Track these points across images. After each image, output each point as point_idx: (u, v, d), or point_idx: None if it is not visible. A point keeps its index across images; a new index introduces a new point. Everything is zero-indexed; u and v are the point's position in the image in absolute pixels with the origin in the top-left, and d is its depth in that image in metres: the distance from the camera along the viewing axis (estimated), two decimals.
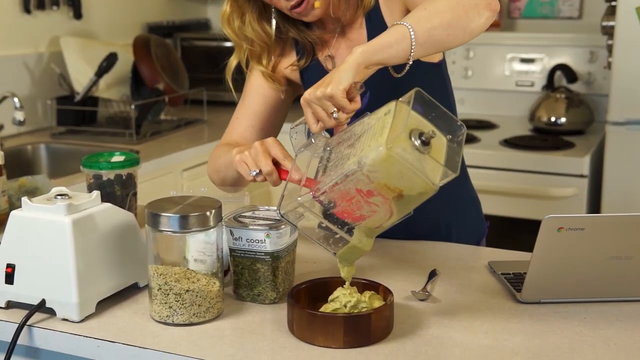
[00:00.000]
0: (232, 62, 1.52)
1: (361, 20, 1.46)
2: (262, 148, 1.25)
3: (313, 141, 1.20)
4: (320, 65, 1.50)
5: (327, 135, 1.21)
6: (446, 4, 1.23)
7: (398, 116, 1.05)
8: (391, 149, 1.00)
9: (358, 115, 1.18)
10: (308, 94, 1.18)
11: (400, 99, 1.09)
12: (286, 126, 1.59)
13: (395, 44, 1.18)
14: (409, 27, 1.18)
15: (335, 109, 1.16)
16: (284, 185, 1.15)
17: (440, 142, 1.07)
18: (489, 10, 1.25)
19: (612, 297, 1.21)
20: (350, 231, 1.11)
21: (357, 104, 1.18)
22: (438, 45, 1.23)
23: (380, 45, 1.18)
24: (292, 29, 1.49)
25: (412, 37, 1.18)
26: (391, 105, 1.09)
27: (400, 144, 1.02)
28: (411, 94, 1.09)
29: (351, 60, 1.17)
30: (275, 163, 1.25)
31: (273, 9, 1.44)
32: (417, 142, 1.03)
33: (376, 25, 1.44)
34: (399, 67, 1.27)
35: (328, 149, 1.17)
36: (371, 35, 1.45)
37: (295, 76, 1.54)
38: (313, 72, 1.51)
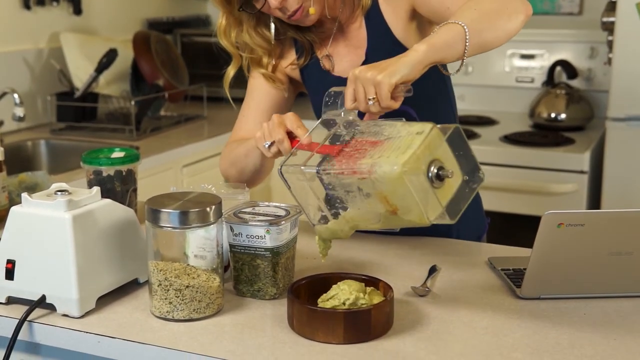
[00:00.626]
0: (230, 72, 1.52)
1: (360, 20, 1.46)
2: (278, 120, 1.28)
3: (342, 115, 1.20)
4: (320, 64, 1.51)
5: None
6: (493, 6, 1.25)
7: (429, 141, 1.05)
8: (405, 173, 1.01)
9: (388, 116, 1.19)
10: (359, 71, 1.17)
11: (439, 126, 1.09)
12: None
13: (453, 44, 1.19)
14: (465, 27, 1.19)
15: (374, 97, 1.15)
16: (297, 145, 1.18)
17: (455, 182, 1.08)
18: (525, 15, 1.27)
19: (612, 293, 1.21)
20: (336, 215, 1.13)
21: (396, 104, 1.17)
22: (485, 46, 1.25)
23: (442, 44, 1.18)
24: (290, 30, 1.49)
25: (467, 37, 1.19)
26: (427, 127, 1.08)
27: (416, 171, 1.03)
28: (451, 127, 1.09)
29: (414, 56, 1.16)
30: (290, 135, 1.27)
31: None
32: (433, 172, 1.04)
33: (376, 24, 1.44)
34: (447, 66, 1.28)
35: (352, 130, 1.16)
36: (371, 35, 1.45)
37: (295, 74, 1.55)
38: (312, 71, 1.51)
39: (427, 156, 1.04)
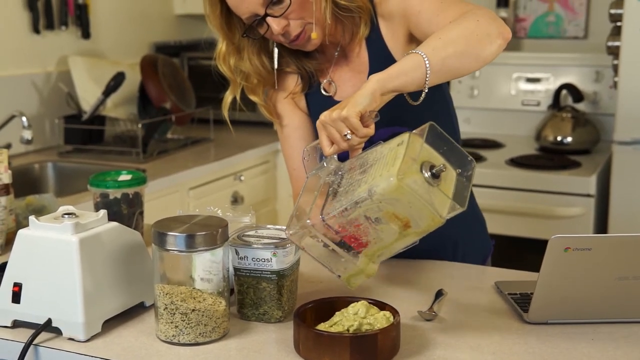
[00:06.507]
0: (228, 97, 1.52)
1: (362, 44, 1.47)
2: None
3: (325, 165, 1.21)
4: (322, 90, 1.51)
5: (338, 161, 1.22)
6: (460, 33, 1.26)
7: (411, 148, 1.07)
8: (402, 180, 1.02)
9: (371, 143, 1.20)
10: (323, 116, 1.21)
11: (414, 131, 1.11)
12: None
13: (410, 72, 1.22)
14: (424, 56, 1.22)
15: (348, 132, 1.18)
16: (295, 206, 1.16)
17: (450, 175, 1.10)
18: (501, 39, 1.28)
19: (620, 318, 1.20)
20: (356, 255, 1.12)
21: (371, 131, 1.19)
22: (451, 73, 1.27)
23: (396, 73, 1.22)
24: (292, 59, 1.49)
25: (427, 65, 1.21)
26: (404, 136, 1.11)
27: (412, 175, 1.04)
28: (425, 127, 1.11)
29: (368, 86, 1.20)
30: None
31: (273, 42, 1.45)
32: (428, 174, 1.06)
33: (377, 48, 1.45)
34: (414, 95, 1.29)
35: (340, 173, 1.18)
36: (373, 58, 1.46)
37: (301, 103, 1.54)
38: (315, 97, 1.52)
39: (415, 160, 1.06)
